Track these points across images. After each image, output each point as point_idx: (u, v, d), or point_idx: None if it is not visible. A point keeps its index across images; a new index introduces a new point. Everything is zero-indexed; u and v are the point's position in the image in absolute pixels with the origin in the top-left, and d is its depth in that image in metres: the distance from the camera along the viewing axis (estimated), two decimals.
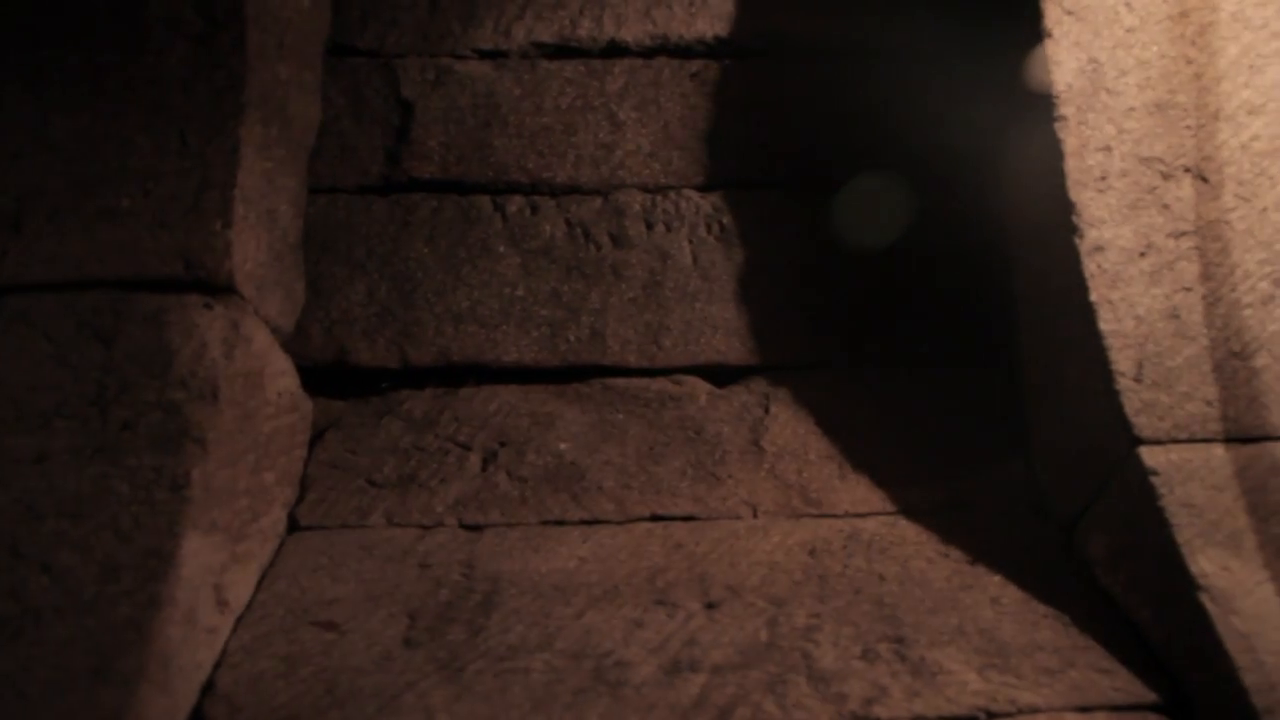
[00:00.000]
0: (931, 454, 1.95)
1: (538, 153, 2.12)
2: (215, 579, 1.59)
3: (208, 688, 1.51)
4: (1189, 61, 1.87)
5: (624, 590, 1.69)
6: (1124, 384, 1.64)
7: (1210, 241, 1.76)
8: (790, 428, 1.97)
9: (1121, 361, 1.66)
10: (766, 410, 1.99)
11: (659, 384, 2.03)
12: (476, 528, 1.83)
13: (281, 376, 1.83)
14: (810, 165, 2.14)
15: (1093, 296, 1.70)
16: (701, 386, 2.03)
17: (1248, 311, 1.71)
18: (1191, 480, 1.58)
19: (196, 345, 1.65)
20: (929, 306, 2.08)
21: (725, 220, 2.11)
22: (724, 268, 2.09)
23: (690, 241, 2.10)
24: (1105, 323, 1.68)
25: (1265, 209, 1.79)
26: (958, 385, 2.03)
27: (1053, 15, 1.85)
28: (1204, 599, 1.47)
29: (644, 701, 1.49)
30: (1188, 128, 1.83)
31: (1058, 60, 1.83)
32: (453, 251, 2.05)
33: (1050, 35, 1.84)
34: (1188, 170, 1.80)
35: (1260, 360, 1.68)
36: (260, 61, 1.76)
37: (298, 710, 1.47)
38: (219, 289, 1.68)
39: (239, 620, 1.63)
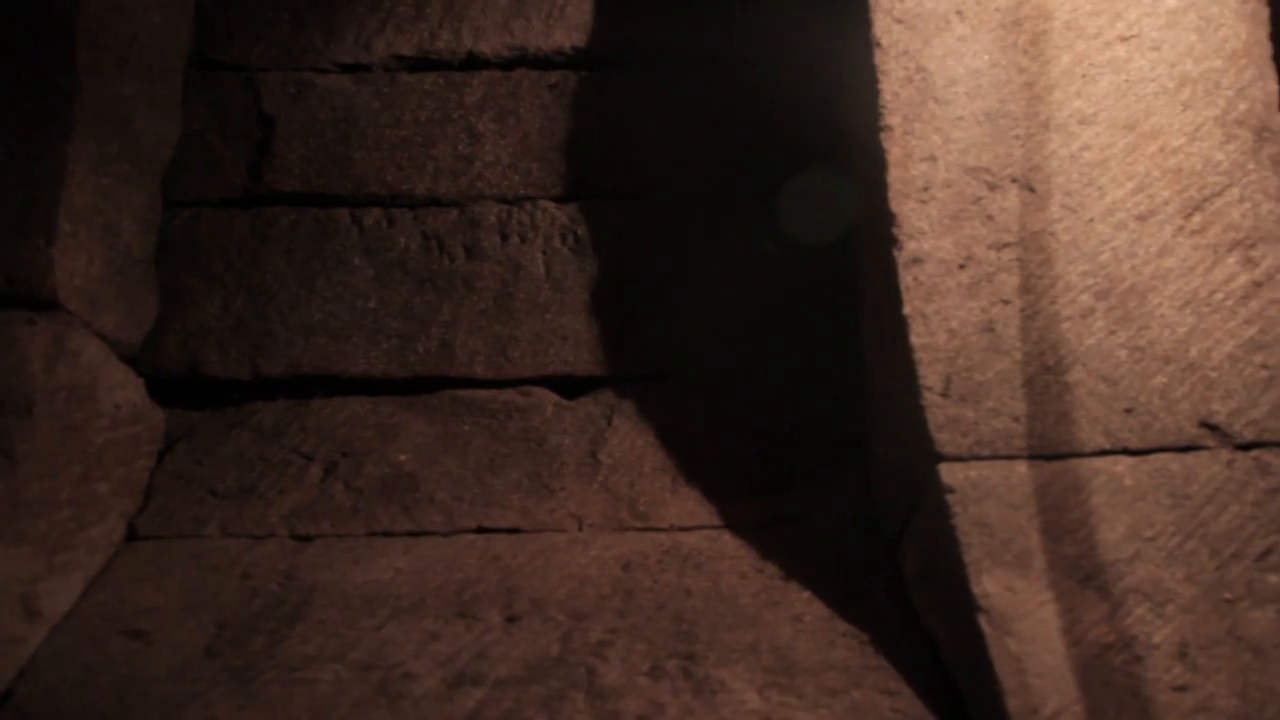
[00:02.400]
0: (770, 468, 1.93)
1: (396, 165, 2.14)
2: (24, 589, 1.62)
3: (5, 697, 1.55)
4: (1021, 70, 1.83)
5: (430, 602, 1.70)
6: (930, 399, 1.61)
7: (1034, 253, 1.72)
8: (630, 440, 1.97)
9: (930, 376, 1.63)
10: (609, 422, 1.99)
11: (506, 395, 2.04)
12: (306, 538, 1.85)
13: (120, 389, 1.87)
14: (666, 175, 2.14)
15: (906, 309, 1.67)
16: (549, 398, 2.04)
17: (1066, 325, 1.67)
18: (988, 498, 1.55)
19: (15, 360, 1.69)
20: (783, 317, 2.06)
21: (580, 231, 2.11)
22: (576, 279, 2.09)
23: (544, 252, 2.10)
24: (916, 336, 1.65)
25: (1092, 219, 1.75)
26: (806, 397, 2.02)
27: (881, 24, 1.82)
28: (982, 620, 1.44)
29: (420, 714, 1.50)
30: (1017, 137, 1.79)
31: (885, 70, 1.80)
32: (309, 264, 2.08)
33: (879, 44, 1.81)
34: (1015, 180, 1.76)
35: (1074, 375, 1.64)
36: (94, 79, 1.80)
37: None
38: (43, 304, 1.72)
39: (54, 629, 1.67)
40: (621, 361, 2.06)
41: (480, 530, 1.85)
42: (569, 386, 2.06)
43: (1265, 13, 1.92)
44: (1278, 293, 1.75)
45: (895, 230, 1.74)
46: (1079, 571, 1.50)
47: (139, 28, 1.92)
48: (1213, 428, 1.64)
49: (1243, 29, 1.90)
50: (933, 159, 1.79)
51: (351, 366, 2.03)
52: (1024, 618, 1.45)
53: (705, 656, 1.57)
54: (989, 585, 1.47)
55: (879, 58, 1.83)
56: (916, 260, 1.72)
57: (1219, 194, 1.82)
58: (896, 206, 1.75)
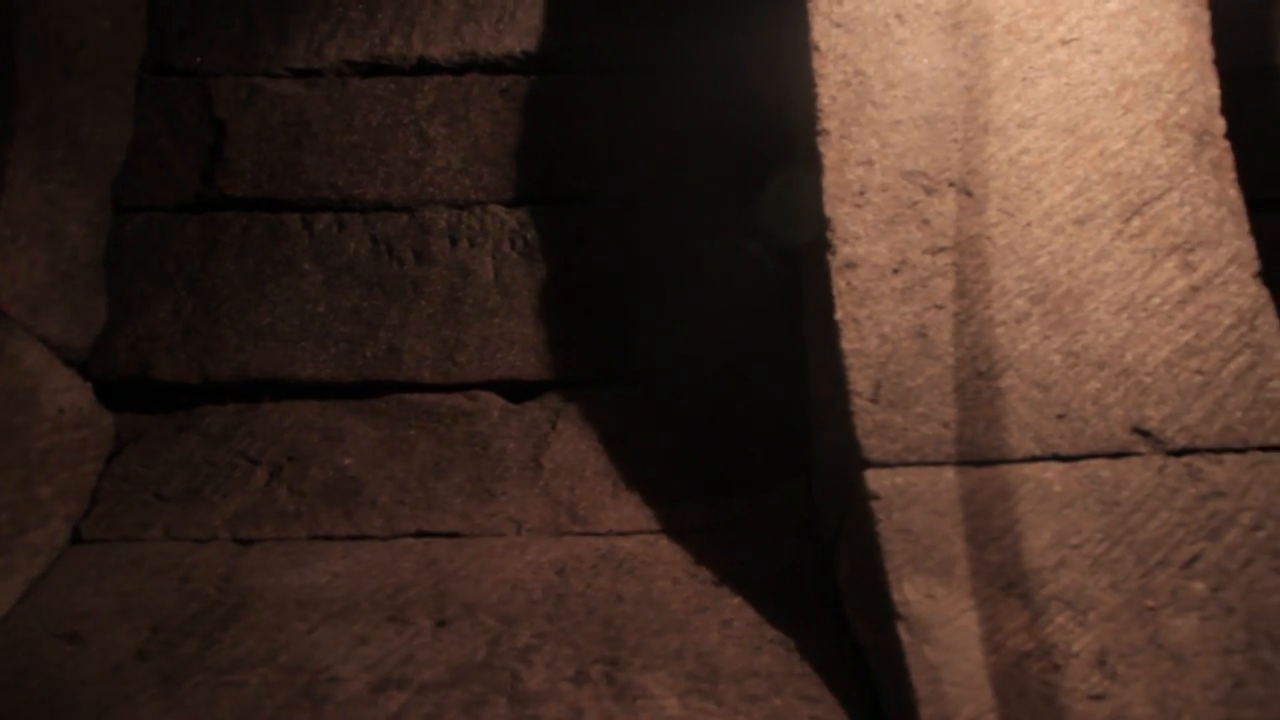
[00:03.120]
0: (713, 472, 1.93)
1: (348, 170, 2.15)
2: None
3: None
4: (961, 74, 1.82)
5: (363, 606, 1.71)
6: (859, 404, 1.61)
7: (969, 258, 1.71)
8: (573, 444, 1.97)
9: (859, 381, 1.62)
10: (554, 426, 1.99)
11: (453, 399, 2.04)
12: (248, 542, 1.86)
13: (65, 393, 1.89)
14: (615, 179, 2.14)
15: (838, 314, 1.66)
16: (495, 402, 2.04)
17: (1000, 330, 1.66)
18: (914, 505, 1.54)
19: None
20: (731, 323, 2.06)
21: (529, 236, 2.11)
22: (525, 283, 2.09)
23: (493, 257, 2.11)
24: (847, 341, 1.65)
25: (1029, 224, 1.74)
26: (753, 401, 2.01)
27: (820, 28, 1.82)
28: (900, 627, 1.43)
29: (342, 718, 1.50)
30: (955, 141, 1.78)
31: (822, 74, 1.79)
32: (259, 268, 2.09)
33: (817, 48, 1.80)
34: (952, 184, 1.76)
35: (1007, 380, 1.63)
36: (37, 85, 1.81)
37: None
38: None
39: None
40: (569, 366, 2.06)
41: (420, 534, 1.85)
42: (516, 391, 2.06)
43: (1206, 17, 1.91)
44: (1215, 297, 1.74)
45: (829, 235, 1.73)
46: (1002, 579, 1.49)
47: (87, 33, 1.94)
48: (1145, 434, 1.63)
49: (1184, 33, 1.89)
50: (869, 163, 1.78)
51: (300, 371, 2.04)
52: (943, 625, 1.44)
53: (630, 662, 1.57)
54: (909, 593, 1.46)
55: (817, 62, 1.82)
56: (850, 265, 1.71)
57: (1159, 198, 1.81)
58: (831, 211, 1.74)
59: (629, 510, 1.88)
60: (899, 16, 1.83)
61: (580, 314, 2.08)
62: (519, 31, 2.16)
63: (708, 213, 2.10)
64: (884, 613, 1.48)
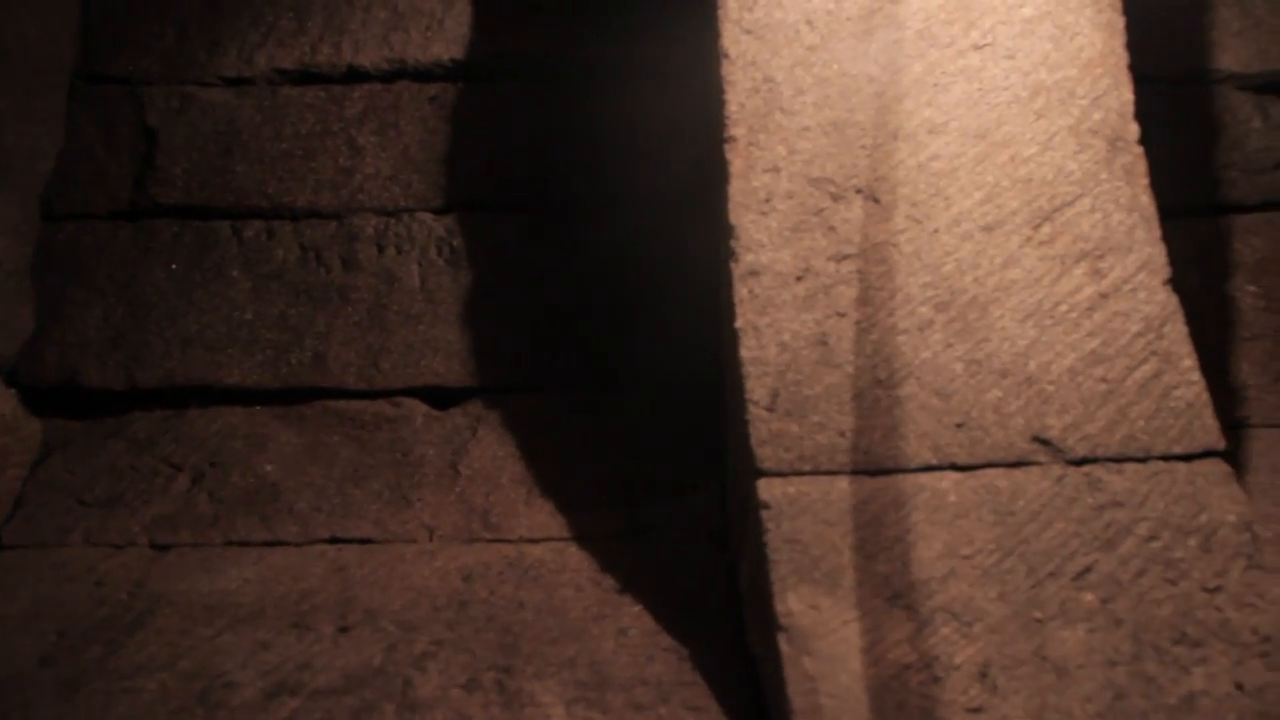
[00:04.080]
0: (631, 479, 1.93)
1: (278, 178, 2.16)
2: None
3: None
4: (871, 80, 1.81)
5: (269, 612, 1.72)
6: (755, 413, 1.60)
7: (874, 265, 1.70)
8: (491, 451, 1.97)
9: (757, 390, 1.62)
10: (474, 433, 1.99)
11: (377, 406, 2.05)
12: (165, 548, 1.87)
13: None
14: (543, 186, 2.14)
15: (739, 322, 1.66)
16: (418, 409, 2.04)
17: (902, 338, 1.65)
18: (804, 515, 1.53)
19: None
20: (654, 330, 2.06)
21: (456, 243, 2.12)
22: (451, 290, 2.10)
23: (420, 264, 2.11)
24: (747, 350, 1.64)
25: (937, 230, 1.73)
26: (675, 410, 2.01)
27: (730, 35, 1.81)
28: (781, 638, 1.43)
29: None
30: (864, 147, 1.77)
31: (731, 80, 1.79)
32: (189, 276, 2.11)
33: (726, 55, 1.80)
34: (860, 191, 1.74)
35: (907, 389, 1.62)
36: None
37: None
38: None
39: None
40: (493, 372, 2.06)
41: (333, 541, 1.86)
42: (441, 397, 2.07)
43: (1121, 22, 1.88)
44: (1124, 304, 1.72)
45: (733, 243, 1.72)
46: (889, 589, 1.48)
47: (10, 42, 1.96)
48: (1045, 443, 1.61)
49: (1098, 38, 1.87)
50: (776, 170, 1.77)
51: (226, 377, 2.05)
52: (825, 637, 1.43)
53: (523, 670, 1.57)
54: (792, 603, 1.46)
55: (726, 69, 1.81)
56: (753, 273, 1.70)
57: (1070, 204, 1.79)
58: (736, 219, 1.74)
59: (542, 517, 1.88)
60: (810, 22, 1.82)
61: (505, 320, 2.09)
62: (447, 39, 2.17)
63: (636, 219, 2.10)
64: (769, 623, 1.48)
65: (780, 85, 1.82)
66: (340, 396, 2.05)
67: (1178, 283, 2.13)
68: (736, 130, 1.80)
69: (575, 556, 1.80)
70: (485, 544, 1.83)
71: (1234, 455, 2.09)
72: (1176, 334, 1.73)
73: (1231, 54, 2.28)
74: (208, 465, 1.98)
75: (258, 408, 2.05)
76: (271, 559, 1.83)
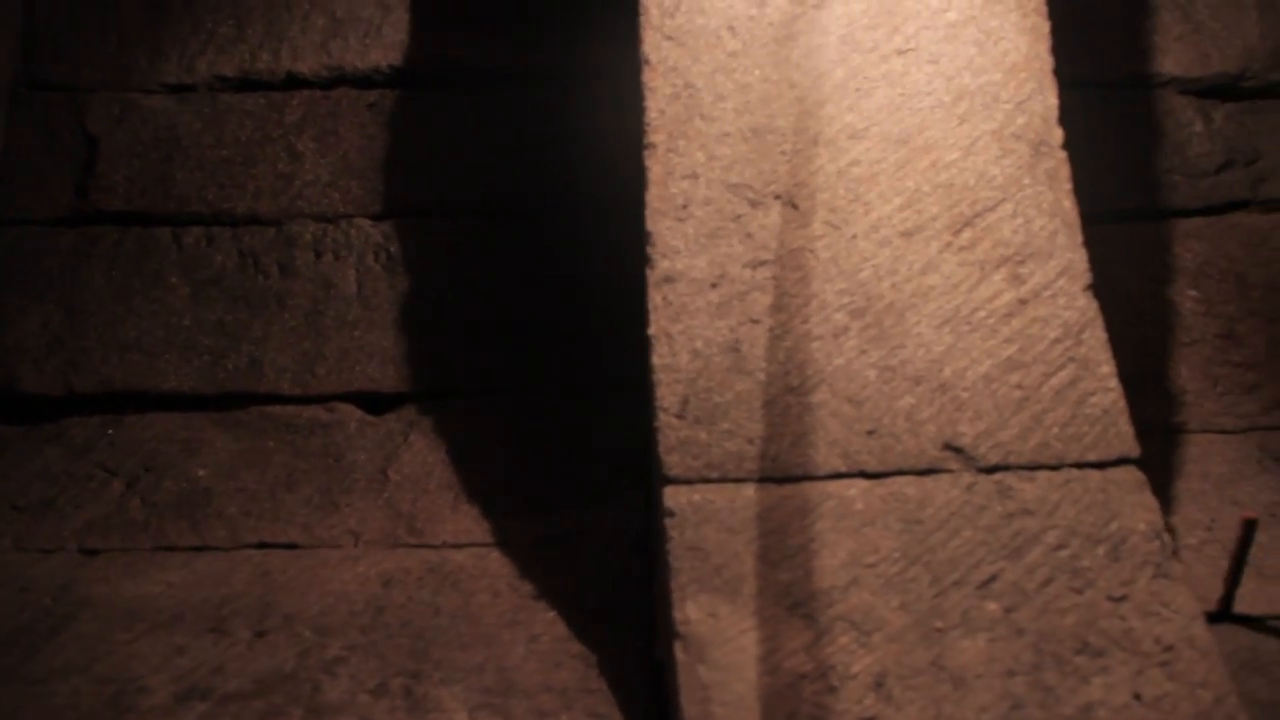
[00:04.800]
0: (559, 485, 1.93)
1: (218, 184, 2.18)
2: None
3: None
4: (793, 85, 1.81)
5: (189, 616, 1.73)
6: (664, 420, 1.60)
7: (791, 271, 1.70)
8: (422, 456, 1.98)
9: (668, 397, 1.61)
10: (406, 439, 2.00)
11: (312, 411, 2.06)
12: (94, 552, 1.89)
13: None
14: (480, 192, 2.15)
15: (652, 329, 1.65)
16: (353, 414, 2.05)
17: (816, 344, 1.65)
18: (708, 523, 1.53)
19: None
20: (586, 336, 2.06)
21: (393, 249, 2.13)
22: (387, 296, 2.11)
23: (356, 270, 2.12)
24: (659, 357, 1.64)
25: (855, 236, 1.72)
26: (608, 416, 2.01)
27: (651, 41, 1.81)
28: (678, 646, 1.42)
29: None
30: (784, 153, 1.77)
31: (652, 87, 1.79)
32: (128, 282, 2.12)
33: (648, 62, 1.80)
34: (778, 197, 1.74)
35: (819, 396, 1.61)
36: None
37: None
38: None
39: None
40: (427, 378, 2.07)
41: (261, 545, 1.87)
42: (376, 402, 2.08)
43: (1046, 26, 1.88)
44: (1043, 310, 1.71)
45: (650, 249, 1.72)
46: (789, 598, 1.47)
47: None
48: (957, 450, 1.60)
49: (1023, 42, 1.86)
50: (695, 176, 1.77)
51: (162, 383, 2.07)
52: (722, 645, 1.43)
53: (431, 675, 1.57)
54: (691, 611, 1.45)
55: (647, 75, 1.81)
56: (668, 279, 1.70)
57: (991, 209, 1.78)
58: (653, 225, 1.73)
59: (467, 523, 1.88)
60: (732, 28, 1.82)
61: (441, 326, 2.09)
62: (386, 46, 2.18)
63: (574, 224, 2.11)
64: (669, 631, 1.48)
65: (701, 91, 1.82)
66: (276, 402, 2.06)
67: (1118, 287, 2.15)
68: (656, 137, 1.80)
69: (496, 562, 1.81)
70: (409, 549, 1.84)
71: (1169, 461, 2.09)
72: (1096, 340, 1.72)
73: (1173, 58, 2.27)
74: (142, 470, 1.99)
75: (194, 413, 2.06)
76: (197, 564, 1.84)
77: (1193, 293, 2.15)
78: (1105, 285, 2.14)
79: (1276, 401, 2.06)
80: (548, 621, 1.67)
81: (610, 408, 2.00)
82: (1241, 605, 1.67)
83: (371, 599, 1.74)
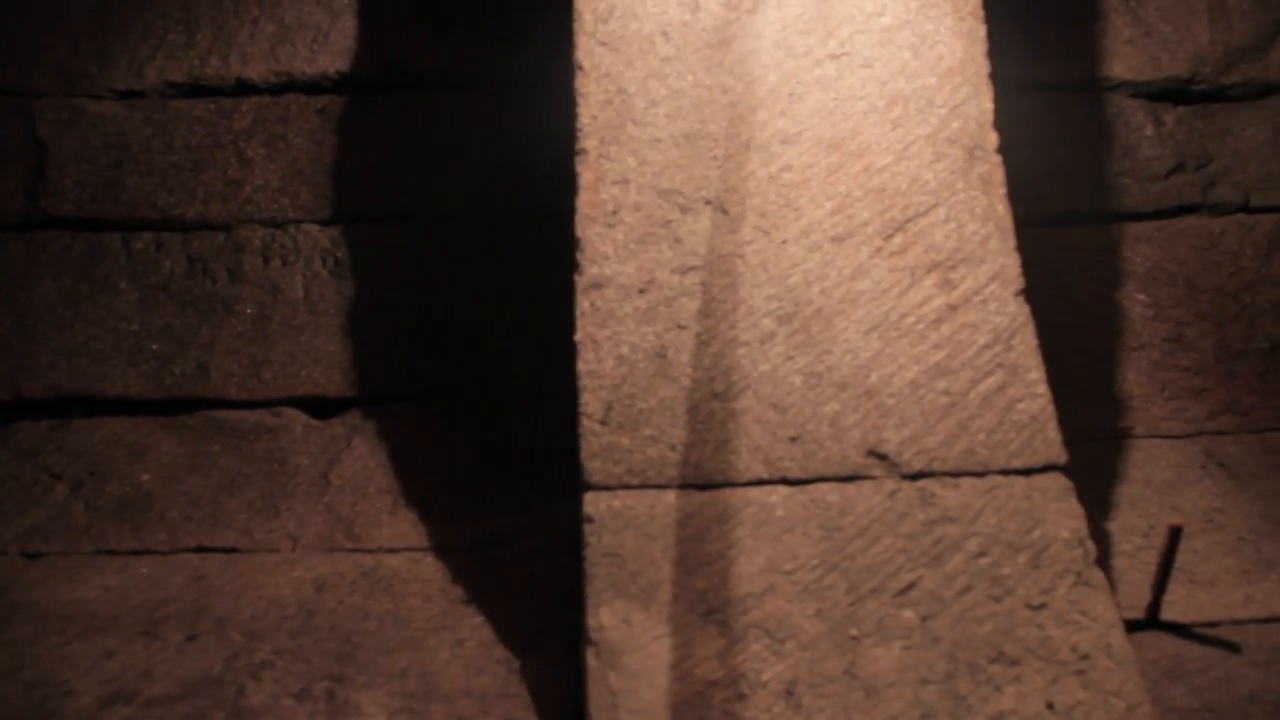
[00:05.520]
0: (497, 490, 1.93)
1: (168, 190, 2.19)
2: None
3: None
4: (725, 90, 1.80)
5: (122, 620, 1.74)
6: (587, 426, 1.60)
7: (720, 277, 1.70)
8: (363, 461, 1.98)
9: (591, 403, 1.61)
10: (349, 443, 2.01)
11: (258, 416, 2.07)
12: (35, 556, 1.90)
13: None
14: (426, 197, 2.15)
15: (578, 335, 1.65)
16: (299, 419, 2.06)
17: (742, 350, 1.64)
18: (627, 529, 1.53)
19: None
20: (529, 342, 2.06)
21: (340, 254, 2.13)
22: (334, 301, 2.12)
23: (304, 275, 2.13)
24: (584, 363, 1.64)
25: (785, 242, 1.72)
26: (549, 422, 2.01)
27: (584, 48, 1.81)
28: (590, 652, 1.42)
29: None
30: (715, 159, 1.76)
31: (584, 93, 1.79)
32: (77, 287, 2.14)
33: (580, 68, 1.80)
34: (709, 203, 1.74)
35: (743, 402, 1.61)
36: None
37: None
38: None
39: None
40: (372, 382, 2.08)
41: (199, 550, 1.88)
42: (322, 407, 2.08)
43: (983, 30, 1.87)
44: (973, 316, 1.70)
45: (579, 255, 1.72)
46: (704, 605, 1.47)
47: None
48: (881, 457, 1.60)
49: (959, 46, 1.85)
50: (625, 182, 1.77)
51: (110, 388, 2.08)
52: (634, 652, 1.43)
53: (354, 679, 1.58)
54: (605, 617, 1.45)
55: (580, 81, 1.81)
56: (596, 285, 1.70)
57: (924, 214, 1.77)
58: (582, 231, 1.73)
59: (404, 527, 1.89)
60: (665, 34, 1.82)
61: (388, 331, 2.10)
62: (333, 52, 2.19)
63: (519, 230, 2.11)
64: (583, 637, 1.48)
65: (633, 97, 1.82)
66: (222, 406, 2.07)
67: (1067, 291, 2.14)
68: (588, 143, 1.80)
69: (430, 567, 1.81)
70: (345, 554, 1.85)
71: (1113, 466, 2.07)
72: (1026, 346, 1.71)
73: (1123, 61, 2.25)
74: (87, 474, 2.01)
75: (141, 417, 2.08)
76: (136, 568, 1.85)
77: (1142, 297, 2.13)
78: (1054, 289, 2.17)
79: (1224, 406, 2.05)
80: (475, 626, 1.68)
81: (551, 413, 2.00)
82: (1172, 612, 1.67)
83: (304, 603, 1.75)
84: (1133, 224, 2.18)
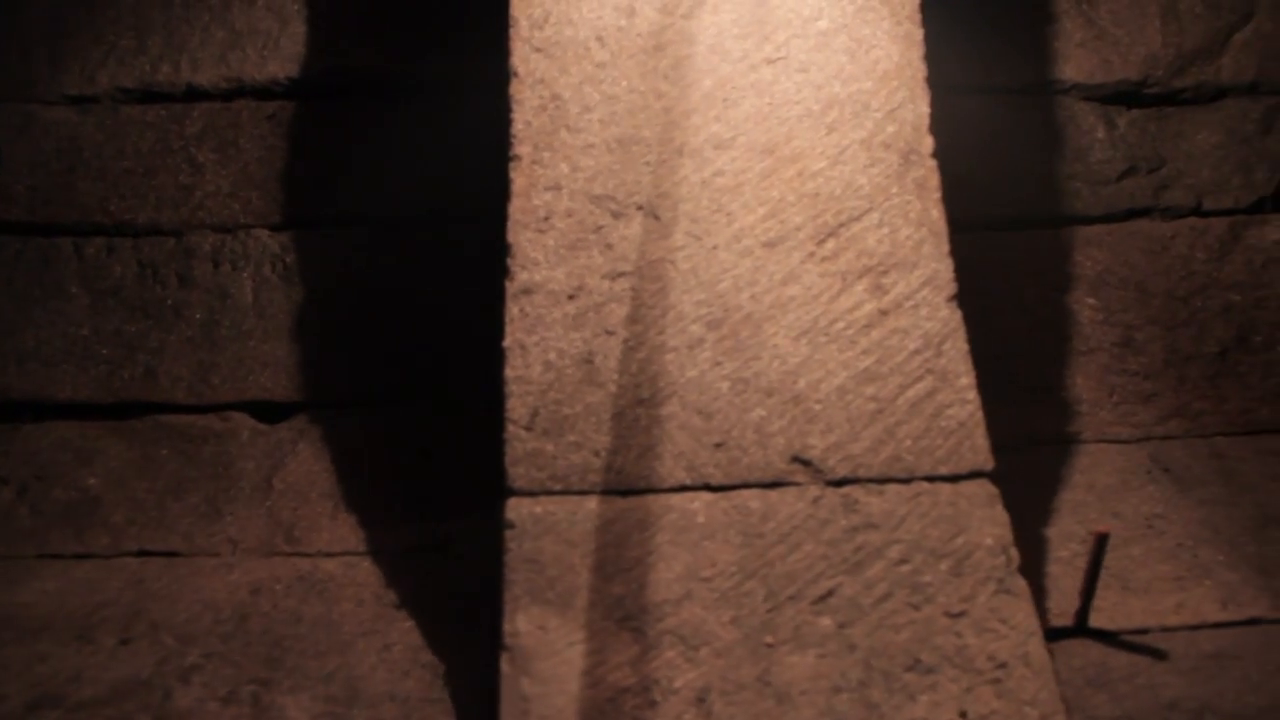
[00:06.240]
0: (440, 495, 1.94)
1: (120, 195, 2.20)
2: None
3: None
4: (660, 96, 1.80)
5: (58, 624, 1.75)
6: (513, 432, 1.60)
7: (650, 282, 1.69)
8: (307, 465, 1.99)
9: (517, 409, 1.61)
10: (294, 448, 2.01)
11: (206, 420, 2.08)
12: None
13: None
14: (382, 201, 2.16)
15: (507, 341, 1.66)
16: (246, 423, 2.07)
17: (670, 356, 1.64)
18: (547, 535, 1.53)
19: None
20: (474, 346, 2.06)
21: (290, 259, 2.14)
22: (283, 306, 2.12)
23: (254, 280, 2.14)
24: (512, 369, 1.64)
25: (716, 247, 1.71)
26: (489, 427, 2.01)
27: (520, 54, 1.81)
28: (504, 658, 1.42)
29: None
30: (648, 164, 1.76)
31: (519, 99, 1.79)
32: (28, 292, 2.15)
33: (515, 74, 1.80)
34: (641, 208, 1.74)
35: (669, 408, 1.60)
36: None
37: None
38: None
39: None
40: (320, 387, 2.08)
41: (141, 553, 1.89)
42: (270, 411, 2.09)
43: (920, 34, 1.86)
44: (904, 321, 1.70)
45: (510, 261, 1.72)
46: (620, 611, 1.47)
47: None
48: (805, 463, 1.59)
49: (896, 50, 1.84)
50: (558, 188, 1.77)
51: (59, 392, 2.09)
52: (548, 658, 1.43)
53: (281, 683, 1.59)
54: (521, 623, 1.45)
55: (514, 87, 1.82)
56: (526, 291, 1.70)
57: (857, 219, 1.77)
58: (514, 237, 1.74)
59: (343, 531, 1.90)
60: (600, 39, 1.82)
61: (335, 336, 2.11)
62: (284, 58, 2.20)
63: (464, 236, 2.11)
64: (499, 643, 1.48)
65: (568, 103, 1.82)
66: (171, 411, 2.08)
67: (1016, 295, 2.13)
68: (521, 149, 1.80)
69: (365, 571, 1.82)
70: (283, 558, 1.86)
71: (1057, 472, 2.06)
72: (956, 352, 1.70)
73: (1075, 64, 2.24)
74: (34, 478, 2.02)
75: (90, 422, 2.09)
76: (76, 572, 1.87)
77: (1092, 301, 2.12)
78: (1004, 293, 2.16)
79: (1173, 411, 2.04)
80: (404, 631, 1.68)
81: (495, 418, 2.00)
82: (1102, 619, 1.66)
83: (238, 606, 1.75)
84: (1084, 227, 2.16)
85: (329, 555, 1.86)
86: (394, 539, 1.87)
